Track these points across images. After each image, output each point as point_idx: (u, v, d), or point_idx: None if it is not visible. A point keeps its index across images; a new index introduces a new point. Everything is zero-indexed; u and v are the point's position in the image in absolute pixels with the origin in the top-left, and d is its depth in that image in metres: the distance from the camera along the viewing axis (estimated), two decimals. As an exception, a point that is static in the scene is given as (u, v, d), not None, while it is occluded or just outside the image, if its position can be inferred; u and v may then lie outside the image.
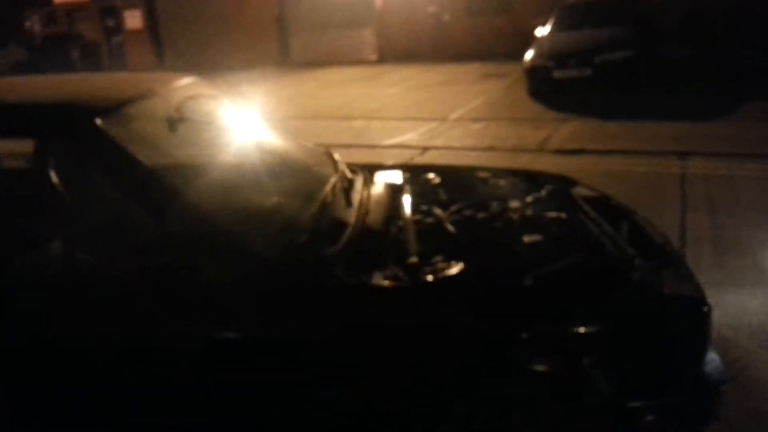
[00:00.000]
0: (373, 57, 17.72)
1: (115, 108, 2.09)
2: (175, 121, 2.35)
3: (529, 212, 2.45)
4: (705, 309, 1.92)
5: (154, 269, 1.79)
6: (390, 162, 3.44)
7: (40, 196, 2.07)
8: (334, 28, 18.15)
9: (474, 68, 13.97)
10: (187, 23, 19.79)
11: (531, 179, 2.97)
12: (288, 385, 1.85)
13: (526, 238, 2.23)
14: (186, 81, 2.81)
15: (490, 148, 6.93)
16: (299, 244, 1.99)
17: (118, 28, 20.67)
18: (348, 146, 7.52)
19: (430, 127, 8.40)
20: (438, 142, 7.37)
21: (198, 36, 19.76)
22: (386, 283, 1.92)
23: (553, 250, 2.13)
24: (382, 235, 2.21)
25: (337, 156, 2.84)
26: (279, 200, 2.29)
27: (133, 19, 20.33)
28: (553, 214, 2.42)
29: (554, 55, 9.33)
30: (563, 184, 2.89)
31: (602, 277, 2.01)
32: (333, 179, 2.48)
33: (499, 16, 15.98)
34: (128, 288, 1.86)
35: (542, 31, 10.51)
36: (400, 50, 17.15)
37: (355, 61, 17.59)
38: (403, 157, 6.84)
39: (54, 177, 1.99)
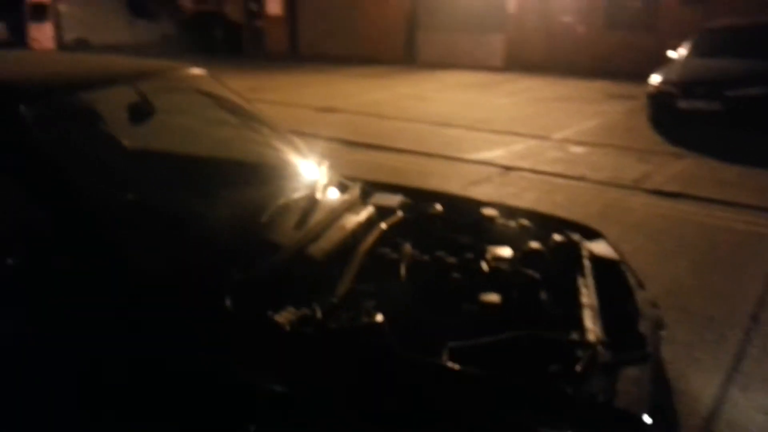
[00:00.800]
0: (500, 64, 17.14)
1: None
2: (138, 110, 2.20)
3: (504, 266, 2.05)
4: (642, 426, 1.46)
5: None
6: (461, 179, 3.10)
7: None
8: (464, 31, 17.76)
9: (600, 86, 13.06)
10: (323, 13, 20.26)
11: (545, 225, 2.54)
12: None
13: (482, 297, 1.85)
14: (192, 71, 2.68)
15: (580, 178, 6.30)
16: (196, 260, 1.75)
17: (260, 12, 21.58)
18: (428, 155, 7.22)
19: (527, 145, 7.87)
20: (525, 164, 6.84)
21: (330, 26, 20.18)
22: (281, 321, 1.63)
23: (497, 318, 1.75)
24: (316, 265, 1.92)
25: (325, 168, 2.57)
26: (209, 205, 2.06)
27: (275, 5, 21.13)
28: (529, 273, 2.00)
29: (682, 83, 8.38)
30: (579, 236, 2.43)
31: (527, 363, 1.60)
32: (292, 193, 2.22)
33: (640, 32, 14.82)
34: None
35: (675, 55, 9.52)
36: (528, 59, 16.46)
37: (481, 66, 17.11)
38: (480, 174, 6.42)
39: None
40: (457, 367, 1.54)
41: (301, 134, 3.06)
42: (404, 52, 19.10)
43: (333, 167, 2.61)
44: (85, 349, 1.67)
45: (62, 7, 18.50)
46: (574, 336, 1.74)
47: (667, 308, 2.92)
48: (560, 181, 6.22)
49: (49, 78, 2.11)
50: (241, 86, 4.18)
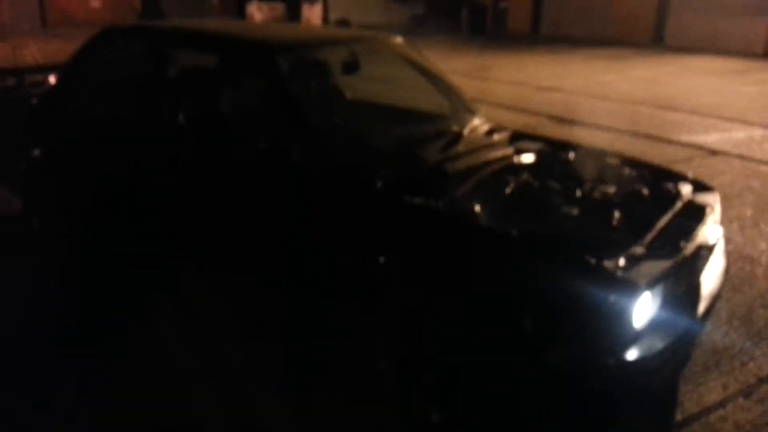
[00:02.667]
0: (761, 50, 15.54)
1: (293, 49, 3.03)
2: (348, 66, 3.17)
3: (597, 196, 2.59)
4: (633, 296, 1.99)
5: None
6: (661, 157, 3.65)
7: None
8: (722, 13, 16.36)
9: None
10: (568, -6, 20.11)
11: (664, 177, 2.95)
12: None
13: (565, 210, 2.44)
14: (394, 39, 3.62)
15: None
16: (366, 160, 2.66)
17: (507, -6, 22.13)
18: (634, 134, 7.32)
19: (750, 133, 7.48)
20: (736, 150, 6.62)
21: (575, 7, 19.96)
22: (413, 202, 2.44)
23: (567, 223, 2.34)
24: (445, 175, 2.68)
25: (479, 117, 3.31)
26: (385, 132, 2.96)
27: (522, -14, 21.49)
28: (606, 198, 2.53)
29: None
30: (689, 188, 2.81)
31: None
32: (446, 129, 3.02)
33: None
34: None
35: None
36: (795, 46, 14.69)
37: (739, 51, 15.68)
38: (680, 156, 6.43)
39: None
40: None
41: (512, 108, 3.79)
42: (653, 34, 18.20)
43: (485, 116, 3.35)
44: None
45: (331, -9, 21.12)
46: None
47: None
48: (765, 168, 5.99)
49: (293, 39, 3.17)
50: (473, 64, 4.98)
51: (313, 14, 21.24)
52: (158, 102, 3.21)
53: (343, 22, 19.93)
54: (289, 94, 2.78)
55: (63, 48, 16.87)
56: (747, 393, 2.61)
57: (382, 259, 2.42)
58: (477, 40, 19.48)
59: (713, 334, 3.02)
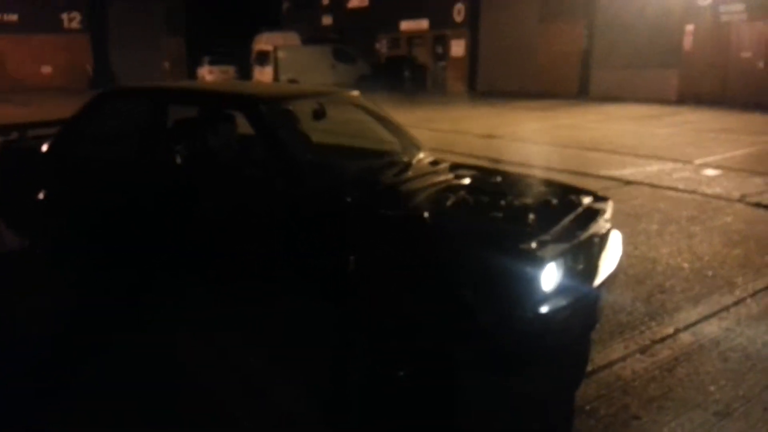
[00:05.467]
0: (673, 98, 17.26)
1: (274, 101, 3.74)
2: (317, 113, 3.90)
3: (518, 203, 3.35)
4: (541, 266, 2.69)
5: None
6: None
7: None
8: (638, 67, 18.14)
9: (771, 119, 12.87)
10: (501, 53, 21.79)
11: (571, 191, 3.74)
12: None
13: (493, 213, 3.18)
14: (352, 93, 4.39)
15: (692, 192, 7.01)
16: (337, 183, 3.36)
17: (445, 54, 23.74)
18: (560, 170, 8.25)
19: (662, 167, 8.57)
20: (647, 180, 7.64)
21: (508, 65, 21.61)
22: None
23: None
24: (401, 194, 3.40)
25: (423, 151, 4.08)
26: (348, 163, 3.68)
27: (458, 48, 23.15)
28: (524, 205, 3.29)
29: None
30: (589, 198, 3.59)
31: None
32: (399, 161, 3.76)
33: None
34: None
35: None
36: (702, 93, 16.41)
37: (655, 100, 17.38)
38: (598, 186, 7.38)
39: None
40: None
41: (456, 153, 4.57)
42: (578, 87, 19.90)
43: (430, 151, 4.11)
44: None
45: (280, 54, 22.21)
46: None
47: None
48: (671, 193, 6.98)
49: (272, 93, 3.90)
50: (418, 117, 5.79)
51: (264, 76, 22.21)
52: (159, 145, 3.85)
53: (293, 83, 20.92)
54: (273, 135, 3.48)
55: (17, 112, 17.24)
56: (642, 350, 3.35)
57: (352, 258, 3.10)
58: (419, 96, 20.80)
59: (619, 314, 3.78)
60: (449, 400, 2.90)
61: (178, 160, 3.81)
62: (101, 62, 28.60)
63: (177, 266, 3.88)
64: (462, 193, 3.49)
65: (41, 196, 4.26)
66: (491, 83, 22.21)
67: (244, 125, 3.68)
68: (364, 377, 3.02)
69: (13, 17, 27.27)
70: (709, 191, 7.03)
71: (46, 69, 28.05)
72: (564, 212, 3.30)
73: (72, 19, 28.82)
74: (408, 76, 23.66)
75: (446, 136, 11.48)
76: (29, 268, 4.50)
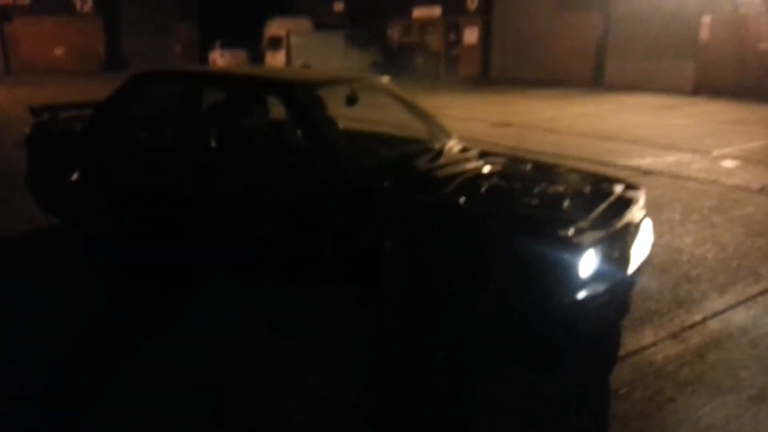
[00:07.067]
0: (689, 89, 17.15)
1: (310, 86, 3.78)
2: (350, 99, 3.93)
3: (550, 191, 3.37)
4: (580, 253, 2.73)
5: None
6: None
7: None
8: (654, 58, 18.02)
9: (789, 111, 12.79)
10: (515, 40, 21.67)
11: (603, 179, 3.77)
12: None
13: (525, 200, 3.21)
14: (381, 79, 4.42)
15: (711, 182, 7.02)
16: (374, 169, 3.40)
17: (458, 41, 23.62)
18: (577, 159, 8.27)
19: (680, 157, 8.56)
20: (666, 170, 7.65)
21: (521, 52, 21.50)
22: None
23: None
24: (435, 179, 3.44)
25: (454, 139, 4.11)
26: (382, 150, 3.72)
27: (471, 35, 23.03)
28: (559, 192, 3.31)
29: None
30: (621, 186, 3.61)
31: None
32: (432, 148, 3.80)
33: None
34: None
35: None
36: (718, 84, 16.30)
37: (670, 90, 17.27)
38: (620, 175, 7.36)
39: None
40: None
41: (471, 141, 4.59)
42: (592, 76, 19.78)
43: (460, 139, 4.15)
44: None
45: (293, 40, 22.17)
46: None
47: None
48: (691, 183, 6.99)
49: (307, 79, 3.94)
50: (431, 104, 5.78)
51: (276, 60, 22.19)
52: (193, 128, 3.89)
53: (305, 68, 20.91)
54: (312, 121, 3.52)
55: (31, 92, 17.38)
56: (673, 336, 3.40)
57: (388, 243, 3.14)
58: (431, 84, 20.72)
59: (648, 301, 3.82)
60: (484, 383, 2.96)
61: (212, 144, 3.86)
62: (113, 45, 28.68)
63: (210, 251, 3.94)
64: (495, 179, 3.52)
65: (74, 177, 4.32)
66: (505, 71, 22.12)
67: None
68: (399, 362, 3.07)
69: (26, 0, 27.25)
70: (728, 182, 7.03)
71: (59, 51, 28.07)
72: (598, 200, 3.34)
73: (84, 3, 28.75)
74: (420, 64, 23.57)
75: (460, 123, 11.45)
76: (61, 248, 4.58)
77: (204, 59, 27.91)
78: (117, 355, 3.23)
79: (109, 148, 4.21)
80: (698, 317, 3.64)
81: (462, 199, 3.15)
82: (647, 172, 7.55)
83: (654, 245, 4.75)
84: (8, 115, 12.92)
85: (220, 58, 26.52)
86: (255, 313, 3.65)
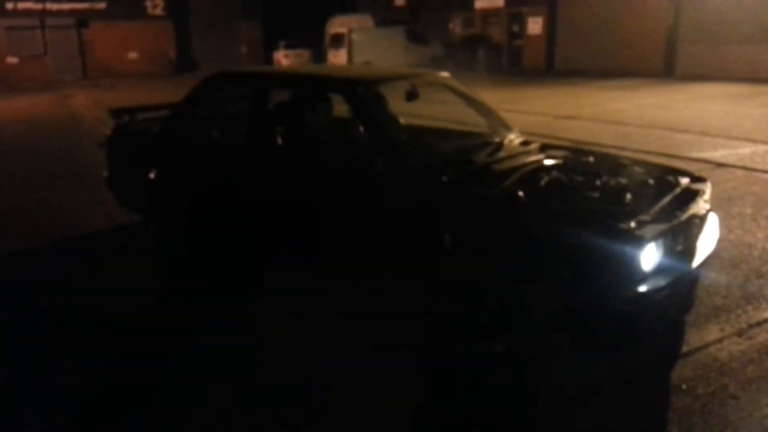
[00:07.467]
0: (767, 75, 16.33)
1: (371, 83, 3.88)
2: (410, 95, 4.01)
3: (612, 183, 3.35)
4: (641, 246, 2.70)
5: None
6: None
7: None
8: (731, 43, 17.23)
9: None
10: (581, 30, 21.15)
11: (667, 172, 3.71)
12: None
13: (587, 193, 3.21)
14: (442, 74, 4.49)
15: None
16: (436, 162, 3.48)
17: (521, 32, 23.27)
18: (647, 152, 8.07)
19: (755, 149, 8.20)
20: (741, 163, 7.36)
21: (587, 42, 20.97)
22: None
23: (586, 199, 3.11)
24: (494, 173, 3.48)
25: (514, 132, 4.13)
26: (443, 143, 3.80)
27: (535, 25, 22.64)
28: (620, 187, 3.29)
29: None
30: (687, 179, 3.54)
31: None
32: (491, 141, 3.84)
33: None
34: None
35: None
36: (801, 70, 15.45)
37: (749, 78, 16.48)
38: (692, 168, 7.11)
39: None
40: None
41: (536, 135, 4.61)
42: (663, 64, 19.10)
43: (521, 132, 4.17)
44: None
45: (354, 37, 22.44)
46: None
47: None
48: (766, 177, 6.70)
49: (368, 76, 4.05)
50: (493, 98, 5.81)
51: (338, 58, 22.49)
52: (262, 127, 4.07)
53: (367, 65, 21.14)
54: (373, 117, 3.63)
55: (105, 96, 18.27)
56: (739, 333, 3.32)
57: (448, 236, 3.21)
58: (494, 77, 20.54)
59: (714, 297, 3.74)
60: (543, 375, 2.99)
61: (279, 142, 4.03)
62: (183, 48, 29.78)
63: (277, 243, 4.12)
64: (555, 172, 3.53)
65: (153, 176, 4.59)
66: (570, 62, 21.64)
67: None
68: (459, 353, 3.14)
69: (102, 5, 28.62)
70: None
71: (133, 55, 29.38)
72: (662, 192, 3.30)
73: (156, 6, 29.96)
74: (482, 56, 23.35)
75: (523, 117, 11.35)
76: (142, 243, 4.89)
77: (268, 59, 28.61)
78: (175, 349, 3.45)
79: (183, 147, 4.46)
80: (766, 314, 3.54)
81: (521, 192, 3.18)
82: (720, 165, 7.29)
83: (724, 240, 4.67)
84: (88, 119, 13.68)
85: (284, 58, 27.12)
86: (319, 303, 3.81)
